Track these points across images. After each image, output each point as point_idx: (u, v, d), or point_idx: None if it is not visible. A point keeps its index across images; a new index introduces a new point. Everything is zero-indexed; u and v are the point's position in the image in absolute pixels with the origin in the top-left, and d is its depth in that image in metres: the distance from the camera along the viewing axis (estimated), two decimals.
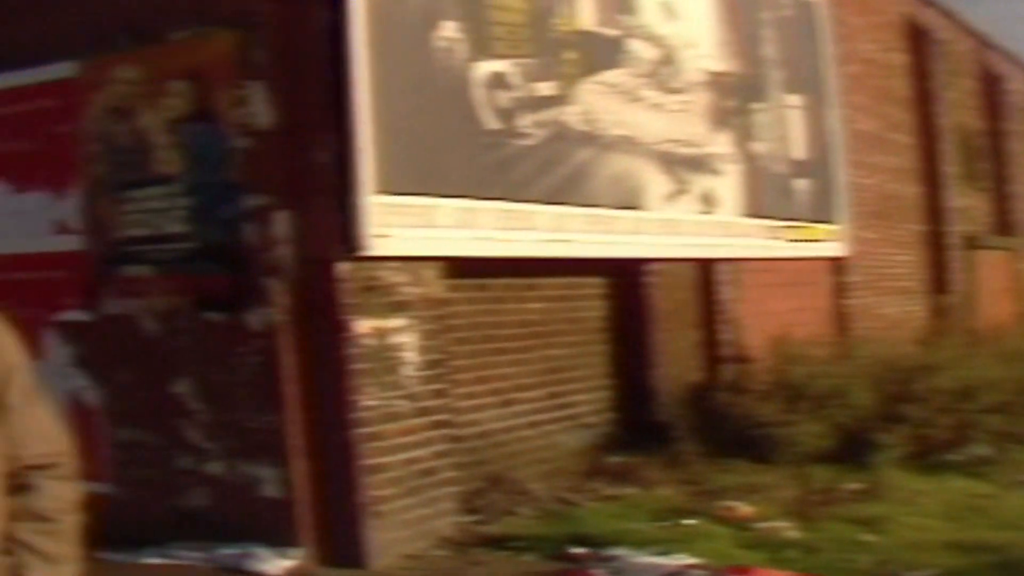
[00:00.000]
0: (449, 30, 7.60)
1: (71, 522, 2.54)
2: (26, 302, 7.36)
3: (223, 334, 7.13)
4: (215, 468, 7.27)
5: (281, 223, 6.93)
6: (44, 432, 2.52)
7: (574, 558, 7.01)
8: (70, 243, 7.72)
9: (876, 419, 9.72)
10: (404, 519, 7.19)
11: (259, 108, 6.96)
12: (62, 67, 7.73)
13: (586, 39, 8.87)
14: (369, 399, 6.99)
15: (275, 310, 6.95)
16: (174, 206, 7.24)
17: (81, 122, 7.65)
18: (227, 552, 7.00)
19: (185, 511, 7.38)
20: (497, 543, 7.40)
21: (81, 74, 7.68)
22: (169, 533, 7.26)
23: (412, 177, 7.13)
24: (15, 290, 7.54)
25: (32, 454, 2.49)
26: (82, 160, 7.66)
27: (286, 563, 6.87)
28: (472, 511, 7.85)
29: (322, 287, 6.90)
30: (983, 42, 21.23)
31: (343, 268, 6.89)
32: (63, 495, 2.53)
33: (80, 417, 7.47)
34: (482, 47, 7.85)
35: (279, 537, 6.98)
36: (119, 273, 7.52)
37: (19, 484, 2.47)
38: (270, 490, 7.07)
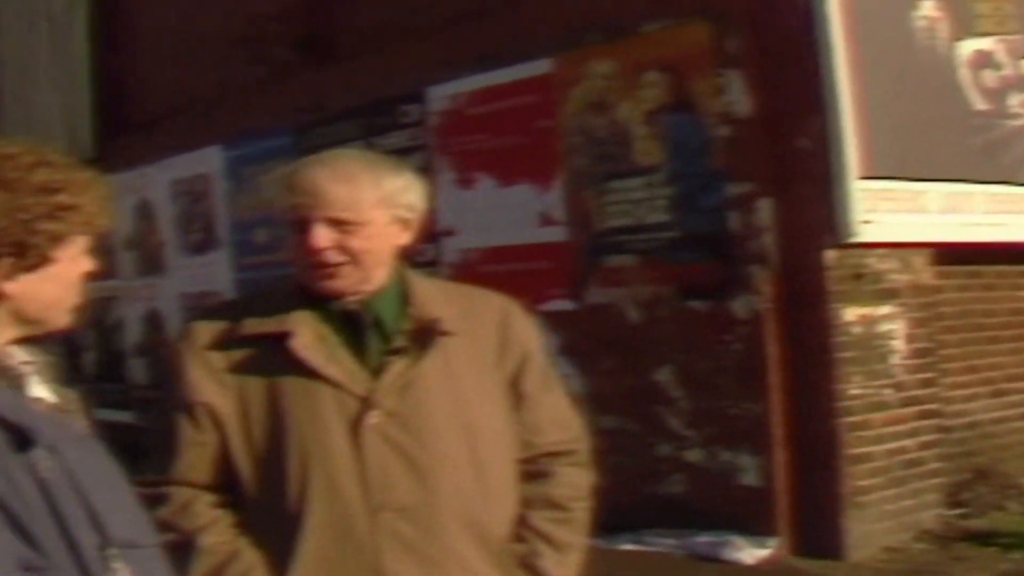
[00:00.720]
0: (929, 9, 7.36)
1: (582, 510, 2.55)
2: (514, 292, 7.61)
3: (706, 322, 7.17)
4: (694, 456, 7.34)
5: (764, 211, 6.90)
6: (560, 419, 2.54)
7: None
8: (554, 234, 7.98)
9: None
10: (885, 510, 7.01)
11: (737, 96, 6.96)
12: (539, 64, 8.02)
13: None
14: (854, 388, 6.86)
15: (759, 298, 6.93)
16: (655, 196, 7.35)
17: (560, 116, 7.90)
18: (703, 540, 7.04)
19: (662, 498, 7.49)
20: (983, 538, 7.08)
21: (557, 70, 7.94)
22: (644, 520, 7.38)
23: (897, 161, 6.93)
24: (504, 281, 7.82)
25: (548, 441, 2.51)
26: (563, 153, 7.90)
27: (762, 552, 6.84)
28: (957, 504, 7.54)
29: (807, 275, 6.82)
30: None
31: (829, 255, 6.78)
32: (578, 483, 2.55)
33: None
34: (965, 25, 7.56)
35: (755, 526, 6.96)
36: (602, 263, 7.72)
37: (534, 471, 2.50)
38: (749, 478, 7.07)
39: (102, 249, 1.90)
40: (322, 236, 2.28)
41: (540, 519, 2.48)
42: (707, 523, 7.11)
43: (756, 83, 6.90)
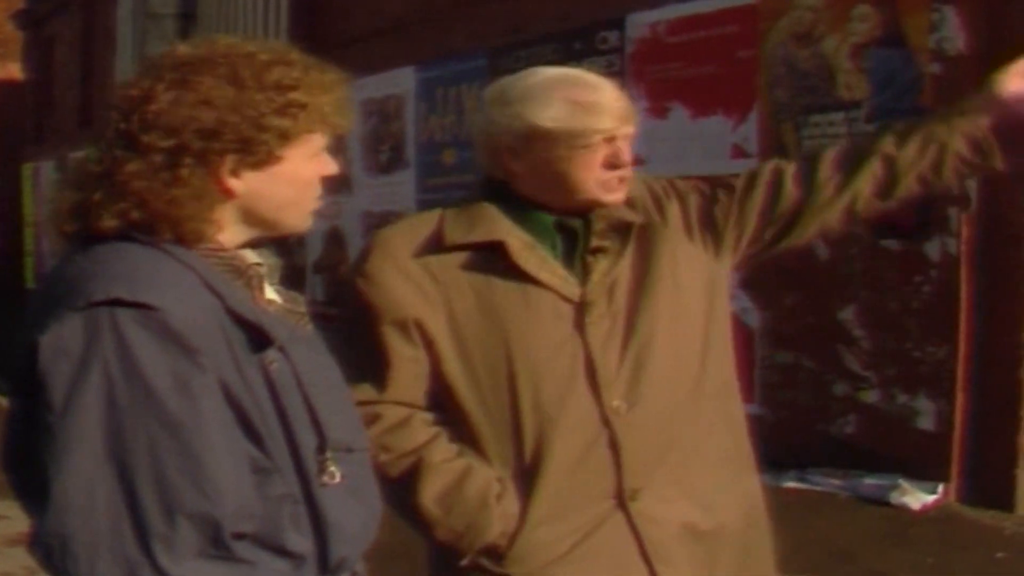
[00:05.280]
0: None
1: None
2: None
3: (898, 262, 7.08)
4: (870, 397, 7.27)
5: None
6: None
7: None
8: (747, 166, 7.88)
9: None
10: None
11: (951, 33, 6.81)
12: None
13: None
14: None
15: (955, 240, 6.81)
16: (857, 132, 7.22)
17: (762, 47, 7.85)
18: (870, 482, 6.99)
19: (832, 438, 7.44)
20: None
21: (763, 0, 7.88)
22: (811, 458, 7.34)
23: None
24: None
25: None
26: (762, 85, 7.86)
27: (930, 498, 6.78)
28: None
29: (1007, 219, 6.67)
30: None
31: None
32: None
33: (739, 337, 7.70)
34: None
35: (926, 472, 6.89)
36: None
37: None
38: (924, 423, 6.99)
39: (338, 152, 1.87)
40: (629, 152, 2.27)
41: None
42: (876, 466, 7.06)
43: (972, 20, 6.74)
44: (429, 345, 2.26)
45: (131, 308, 1.59)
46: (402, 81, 11.80)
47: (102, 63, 21.08)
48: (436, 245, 2.29)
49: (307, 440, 1.73)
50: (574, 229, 2.31)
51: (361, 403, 2.19)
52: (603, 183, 2.26)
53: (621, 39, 8.95)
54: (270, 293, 1.84)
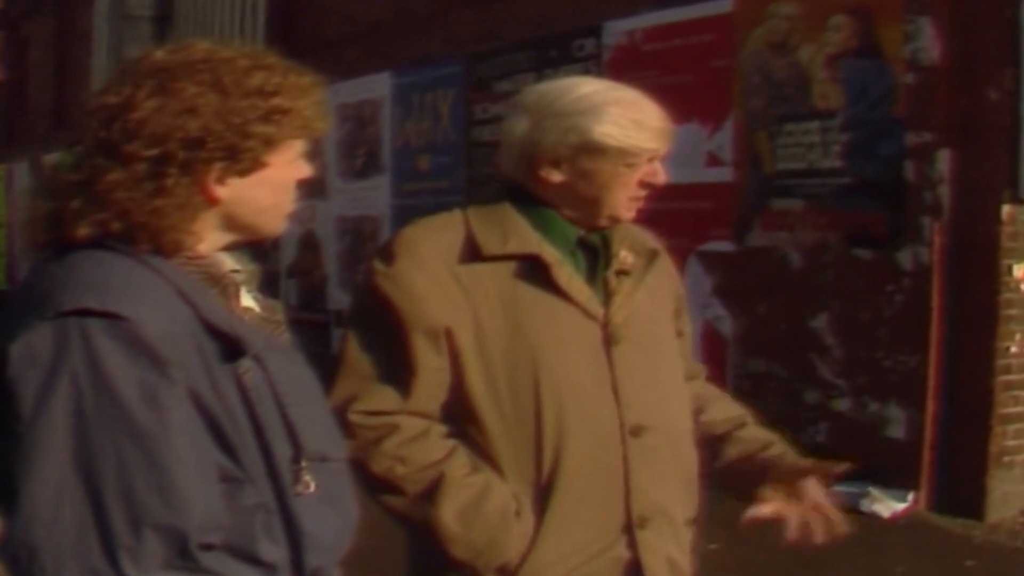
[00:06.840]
0: None
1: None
2: (674, 231, 7.59)
3: (870, 271, 7.09)
4: (841, 405, 7.30)
5: (942, 162, 6.78)
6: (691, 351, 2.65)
7: None
8: (721, 175, 7.97)
9: None
10: None
11: (925, 43, 6.83)
12: (721, 3, 8.00)
13: None
14: (1016, 346, 6.75)
15: (927, 250, 6.83)
16: (831, 141, 7.27)
17: (738, 56, 7.87)
18: (840, 490, 6.98)
19: (802, 446, 7.41)
20: None
21: (739, 9, 7.90)
22: None
23: None
24: (665, 219, 7.85)
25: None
26: (737, 94, 7.87)
27: (900, 506, 6.82)
28: None
29: (979, 229, 6.70)
30: None
31: (1005, 210, 6.65)
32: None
33: (712, 345, 7.74)
34: None
35: (897, 480, 6.92)
36: (768, 206, 7.68)
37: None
38: (895, 431, 7.01)
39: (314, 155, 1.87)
40: (663, 171, 2.28)
41: (716, 409, 2.62)
42: (846, 473, 7.06)
43: (947, 31, 6.76)
44: (455, 356, 2.21)
45: (101, 318, 1.57)
46: (378, 86, 11.78)
47: (77, 65, 21.00)
48: (467, 253, 2.25)
49: (281, 450, 1.72)
50: (595, 246, 2.32)
51: (378, 412, 2.20)
52: (631, 201, 2.27)
53: (598, 46, 8.96)
54: (247, 301, 1.82)
